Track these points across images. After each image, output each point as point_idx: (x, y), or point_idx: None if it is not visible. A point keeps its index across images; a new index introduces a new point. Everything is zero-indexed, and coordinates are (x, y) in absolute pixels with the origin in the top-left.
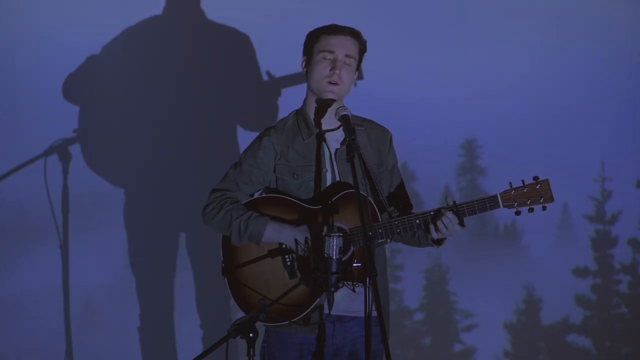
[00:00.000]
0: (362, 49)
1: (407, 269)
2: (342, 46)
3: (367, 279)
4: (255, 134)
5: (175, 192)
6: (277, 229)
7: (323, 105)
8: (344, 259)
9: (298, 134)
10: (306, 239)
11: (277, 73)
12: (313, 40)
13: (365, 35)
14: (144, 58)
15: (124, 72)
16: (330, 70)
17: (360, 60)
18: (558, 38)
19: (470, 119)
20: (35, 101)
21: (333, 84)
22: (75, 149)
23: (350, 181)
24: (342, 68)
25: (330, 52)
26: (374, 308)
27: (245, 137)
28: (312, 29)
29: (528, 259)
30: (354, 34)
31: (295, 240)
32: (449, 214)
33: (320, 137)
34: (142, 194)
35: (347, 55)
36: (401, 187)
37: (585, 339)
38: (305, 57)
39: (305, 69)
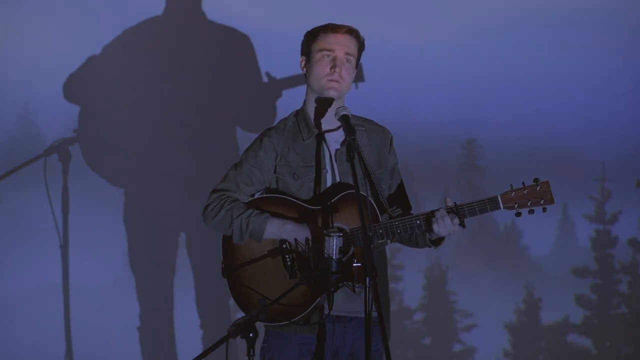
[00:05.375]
0: (361, 47)
1: (407, 269)
2: (342, 44)
3: (367, 279)
4: (255, 135)
5: (175, 192)
6: (279, 225)
7: (323, 105)
8: (344, 259)
9: (298, 134)
10: (307, 238)
11: (277, 74)
12: (311, 39)
13: (365, 35)
14: (144, 58)
15: (124, 72)
16: (330, 68)
17: (359, 58)
18: (558, 38)
19: (470, 119)
20: (36, 101)
21: (334, 81)
22: (75, 149)
23: (351, 182)
24: (342, 66)
25: (330, 50)
26: (374, 308)
27: (245, 138)
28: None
29: (528, 259)
30: (352, 32)
31: (295, 239)
32: (449, 215)
33: (320, 137)
34: (142, 194)
35: (347, 54)
36: (401, 187)
37: (585, 339)
38: (304, 57)
39: (304, 69)
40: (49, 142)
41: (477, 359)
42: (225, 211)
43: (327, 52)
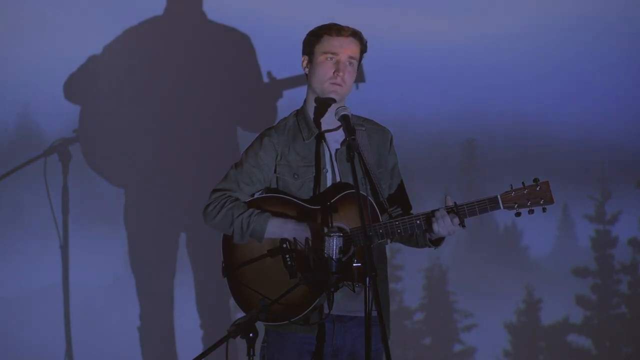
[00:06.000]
0: (363, 49)
1: (407, 269)
2: (345, 48)
3: (367, 279)
4: (255, 135)
5: (175, 192)
6: (280, 225)
7: (323, 105)
8: (343, 259)
9: (298, 134)
10: (306, 238)
11: (278, 74)
12: (314, 40)
13: (366, 35)
14: (144, 58)
15: (125, 72)
16: (333, 72)
17: (360, 60)
18: (559, 38)
19: (471, 118)
20: (36, 101)
21: (336, 84)
22: (75, 149)
23: (351, 181)
24: (345, 70)
25: (334, 53)
26: (374, 308)
27: (245, 138)
28: (313, 28)
29: (528, 259)
30: (356, 35)
31: (294, 239)
32: (450, 214)
33: (321, 137)
34: (142, 194)
35: (350, 57)
36: (401, 187)
37: (585, 339)
38: (307, 57)
39: (306, 69)
40: (49, 142)
41: (477, 359)
42: (226, 211)
43: (331, 55)
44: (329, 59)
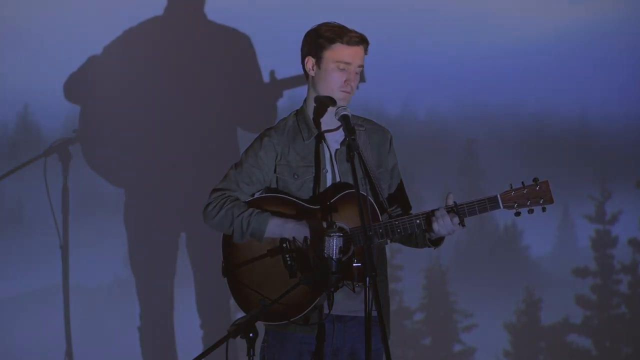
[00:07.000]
0: (366, 52)
1: (407, 269)
2: (357, 57)
3: (367, 278)
4: (255, 135)
5: (175, 192)
6: (280, 224)
7: (323, 105)
8: (344, 258)
9: (298, 134)
10: (306, 238)
11: (278, 74)
12: (324, 44)
13: (365, 36)
14: (144, 58)
15: (125, 72)
16: (344, 81)
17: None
18: (559, 39)
19: (471, 118)
20: (36, 101)
21: (346, 92)
22: (75, 149)
23: (351, 182)
24: (355, 79)
25: (347, 63)
26: (374, 308)
27: (245, 138)
28: (318, 26)
29: (528, 259)
30: (364, 42)
31: (294, 238)
32: (449, 214)
33: (320, 137)
34: (142, 194)
35: (359, 66)
36: (401, 187)
37: (585, 339)
38: (313, 59)
39: (311, 71)
40: (49, 142)
41: (477, 359)
42: (225, 210)
43: (343, 64)
44: (340, 68)
